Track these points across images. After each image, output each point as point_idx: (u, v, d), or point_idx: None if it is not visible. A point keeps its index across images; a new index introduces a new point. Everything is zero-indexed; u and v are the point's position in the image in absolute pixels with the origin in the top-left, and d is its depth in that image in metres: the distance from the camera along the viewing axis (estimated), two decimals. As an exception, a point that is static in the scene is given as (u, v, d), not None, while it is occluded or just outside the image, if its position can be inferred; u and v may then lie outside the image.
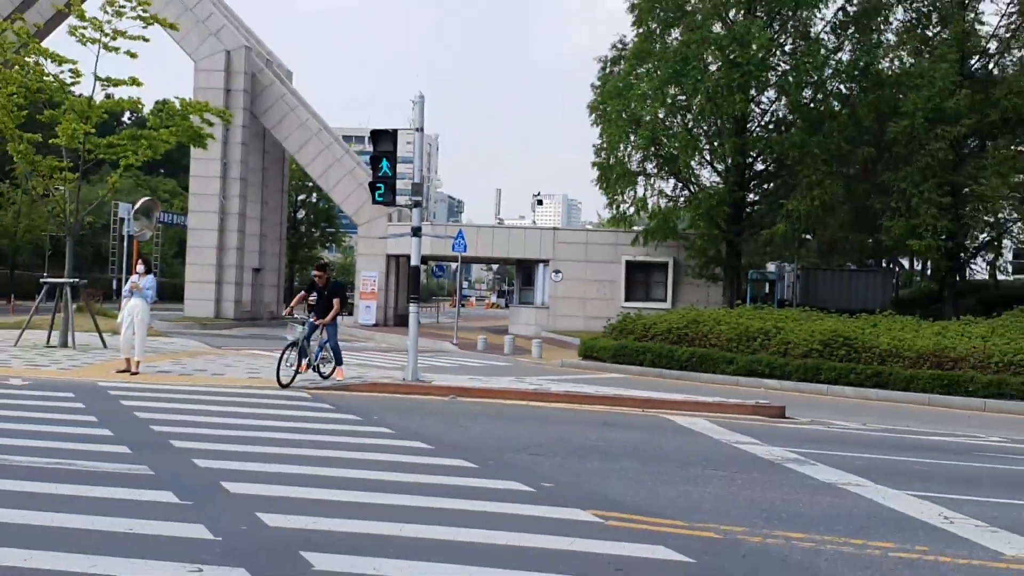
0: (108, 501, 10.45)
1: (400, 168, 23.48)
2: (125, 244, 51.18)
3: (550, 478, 12.56)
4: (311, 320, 21.36)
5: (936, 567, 9.23)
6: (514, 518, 10.15)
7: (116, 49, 30.12)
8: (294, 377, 20.96)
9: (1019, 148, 44.97)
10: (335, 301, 22.00)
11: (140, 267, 24.16)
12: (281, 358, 20.93)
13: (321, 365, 21.93)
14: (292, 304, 23.17)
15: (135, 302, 23.53)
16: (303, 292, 22.65)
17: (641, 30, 44.70)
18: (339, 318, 23.64)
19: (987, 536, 10.55)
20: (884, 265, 48.36)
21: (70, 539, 8.71)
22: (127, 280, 24.42)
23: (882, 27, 45.73)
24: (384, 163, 23.02)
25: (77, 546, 8.45)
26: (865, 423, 21.06)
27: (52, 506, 9.81)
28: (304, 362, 21.12)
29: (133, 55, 30.75)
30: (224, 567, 7.97)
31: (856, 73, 44.93)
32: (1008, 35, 44.86)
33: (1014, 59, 45.37)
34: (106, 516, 9.59)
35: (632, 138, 44.27)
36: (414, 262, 24.33)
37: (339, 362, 22.33)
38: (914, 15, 46.41)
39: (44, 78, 29.91)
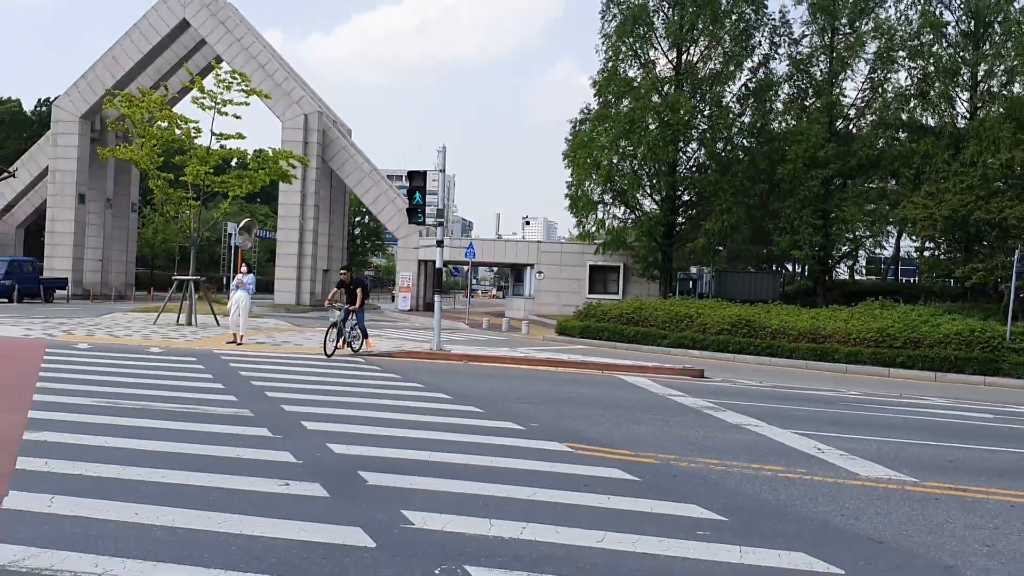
0: (221, 435, 10.64)
1: (428, 198, 23.74)
2: (232, 252, 51.88)
3: (535, 420, 12.84)
4: (346, 307, 21.45)
5: (811, 484, 9.42)
6: (510, 448, 10.54)
7: (225, 113, 30.38)
8: (335, 350, 21.10)
9: (870, 186, 45.45)
10: (358, 291, 21.97)
11: (244, 268, 24.75)
12: (326, 335, 21.27)
13: (353, 342, 21.92)
14: (329, 298, 23.35)
15: (240, 293, 23.87)
16: (335, 288, 22.65)
17: (601, 100, 45.06)
18: (367, 303, 24.55)
19: (848, 462, 10.78)
20: (774, 268, 48.36)
21: (192, 462, 8.82)
22: (234, 277, 24.79)
23: (773, 98, 45.98)
24: (417, 194, 23.54)
25: (197, 466, 8.55)
26: (761, 381, 21.19)
27: (181, 438, 10.00)
28: (341, 339, 21.34)
29: (238, 117, 31.18)
30: (304, 482, 8.17)
31: (755, 131, 45.30)
32: (863, 104, 45.28)
33: (867, 122, 45.63)
34: (219, 445, 9.77)
35: (593, 177, 44.58)
36: (438, 265, 24.99)
37: (365, 336, 22.50)
38: (796, 90, 46.81)
39: (176, 132, 30.16)
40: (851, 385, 21.38)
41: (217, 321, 30.99)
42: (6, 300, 41.92)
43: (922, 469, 10.41)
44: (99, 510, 7.03)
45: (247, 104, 30.96)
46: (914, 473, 10.14)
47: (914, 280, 51.53)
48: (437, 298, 25.16)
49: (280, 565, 5.96)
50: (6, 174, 53.29)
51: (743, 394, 17.88)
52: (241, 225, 41.97)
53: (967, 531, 7.79)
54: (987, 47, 42.52)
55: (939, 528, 7.82)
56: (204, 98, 30.32)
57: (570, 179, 46.00)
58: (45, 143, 55.79)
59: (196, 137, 30.86)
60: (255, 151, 33.21)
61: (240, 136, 31.23)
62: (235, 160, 32.41)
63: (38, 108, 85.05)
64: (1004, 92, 42.14)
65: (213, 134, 30.86)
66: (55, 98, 57.25)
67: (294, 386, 15.75)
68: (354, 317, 21.74)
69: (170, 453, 9.28)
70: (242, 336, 23.76)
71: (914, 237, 42.51)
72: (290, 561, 6.09)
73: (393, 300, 63.61)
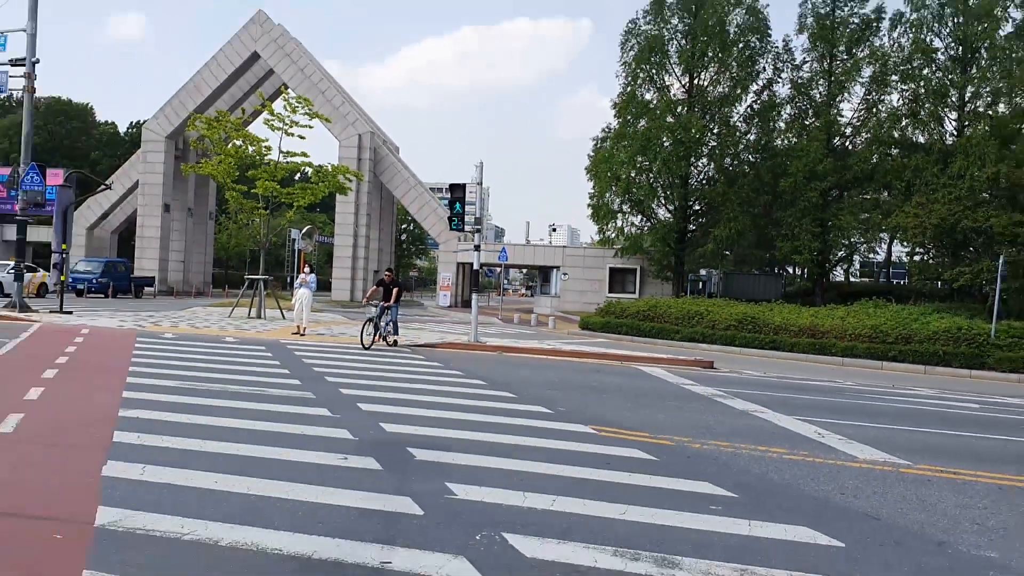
0: (288, 414, 10.74)
1: (467, 208, 23.76)
2: (295, 254, 52.26)
3: (563, 405, 12.77)
4: (382, 304, 21.39)
5: (813, 465, 9.32)
6: (541, 429, 10.52)
7: (292, 133, 30.55)
8: (372, 343, 20.93)
9: (864, 197, 44.98)
10: (395, 291, 21.88)
11: (306, 269, 24.96)
12: (362, 330, 21.16)
13: (388, 336, 21.72)
14: (368, 295, 23.53)
15: (303, 291, 23.97)
16: (375, 287, 22.58)
17: (620, 120, 45.25)
18: (404, 299, 24.01)
19: (846, 446, 10.67)
20: (776, 271, 47.93)
21: (264, 438, 8.88)
22: (297, 277, 24.95)
23: (776, 118, 45.75)
24: (457, 205, 23.60)
25: (268, 441, 8.63)
26: (765, 372, 20.95)
27: (254, 416, 10.13)
28: (377, 334, 21.18)
29: (302, 137, 31.33)
30: (360, 456, 8.24)
31: (759, 148, 45.16)
32: (858, 123, 44.85)
33: (862, 139, 45.17)
34: (287, 423, 9.83)
35: (613, 189, 44.64)
36: (475, 267, 25.09)
37: (395, 332, 22.04)
38: (796, 110, 46.48)
39: (249, 150, 30.44)
40: (847, 377, 21.14)
41: (283, 315, 31.18)
42: (102, 295, 42.49)
43: (915, 453, 10.26)
44: (184, 479, 7.10)
45: (311, 127, 31.25)
46: (908, 457, 10.00)
47: (904, 282, 50.85)
48: (474, 296, 25.20)
49: (340, 529, 6.00)
50: (103, 187, 53.88)
51: (749, 384, 17.70)
52: (304, 231, 42.36)
53: (958, 510, 7.67)
54: (974, 70, 41.98)
55: (932, 507, 7.71)
56: (274, 120, 30.56)
57: (592, 191, 46.04)
58: (136, 160, 56.47)
59: (266, 154, 31.16)
60: (316, 167, 33.41)
61: (304, 155, 31.56)
62: (299, 174, 32.46)
63: (130, 129, 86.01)
64: (989, 112, 41.61)
65: (281, 152, 31.11)
66: (145, 121, 57.93)
67: (350, 372, 15.80)
68: (389, 313, 21.61)
69: (244, 429, 9.37)
70: (305, 328, 23.72)
71: (905, 243, 41.91)
72: (349, 526, 6.12)
73: (434, 298, 64.32)
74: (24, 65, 22.87)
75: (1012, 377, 22.71)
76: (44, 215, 26.67)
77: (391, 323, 21.55)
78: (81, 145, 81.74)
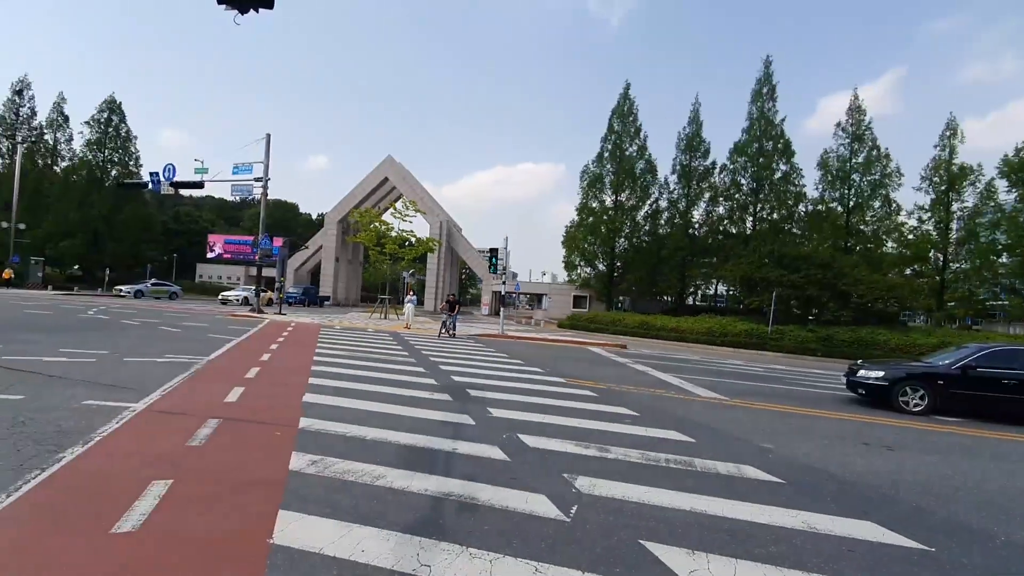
0: (400, 370, 10.63)
1: (499, 261, 23.73)
2: (403, 284, 52.11)
3: (551, 368, 12.55)
4: (448, 313, 20.92)
5: (678, 400, 9.24)
6: (536, 379, 10.38)
7: (404, 218, 30.54)
8: (441, 335, 20.13)
9: (704, 260, 44.80)
10: (457, 306, 21.40)
11: (411, 293, 24.62)
12: (440, 327, 20.60)
13: (450, 331, 20.66)
14: (441, 307, 22.38)
15: (409, 304, 23.51)
16: (444, 303, 21.60)
17: (580, 217, 45.17)
18: (462, 312, 23.45)
19: (695, 389, 10.56)
20: (658, 298, 47.55)
21: (388, 381, 8.86)
22: (405, 296, 24.65)
23: (659, 218, 45.48)
24: (494, 259, 23.45)
25: (390, 383, 8.63)
26: (651, 351, 20.80)
27: (382, 370, 10.08)
28: (445, 330, 20.45)
29: (410, 221, 31.22)
30: (440, 393, 8.29)
31: (651, 233, 44.82)
32: (703, 221, 44.90)
33: (704, 230, 45.00)
34: (399, 375, 9.79)
35: (575, 253, 44.60)
36: (503, 292, 24.70)
37: (454, 329, 20.96)
38: (670, 214, 46.40)
39: (381, 228, 30.53)
40: (694, 354, 20.99)
41: (398, 317, 30.96)
42: (301, 306, 42.49)
43: (730, 394, 10.21)
44: (347, 403, 7.16)
45: (415, 217, 31.27)
46: (728, 396, 9.98)
47: (724, 305, 50.43)
48: (502, 309, 25.15)
49: (425, 430, 6.05)
50: (303, 247, 54.26)
51: (644, 357, 17.55)
52: (410, 273, 42.51)
53: (753, 424, 7.66)
54: (762, 195, 41.89)
55: (741, 423, 7.69)
56: (396, 214, 30.61)
57: (564, 254, 46.09)
58: (321, 233, 56.67)
59: (390, 230, 31.09)
60: (418, 238, 33.28)
61: (412, 234, 31.54)
62: (407, 243, 32.22)
63: (318, 217, 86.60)
64: (769, 217, 41.52)
65: (400, 231, 31.08)
66: (326, 213, 58.27)
67: (433, 348, 15.63)
68: (452, 319, 20.79)
69: (378, 377, 9.34)
70: (409, 325, 23.19)
71: (724, 285, 41.72)
72: (431, 428, 6.17)
73: (479, 310, 64.08)
74: (261, 182, 23.13)
75: (779, 355, 22.54)
76: (271, 262, 26.73)
77: (453, 324, 20.78)
78: (291, 225, 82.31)
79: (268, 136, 22.92)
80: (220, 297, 35.64)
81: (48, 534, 3.34)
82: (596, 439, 6.14)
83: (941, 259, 33.72)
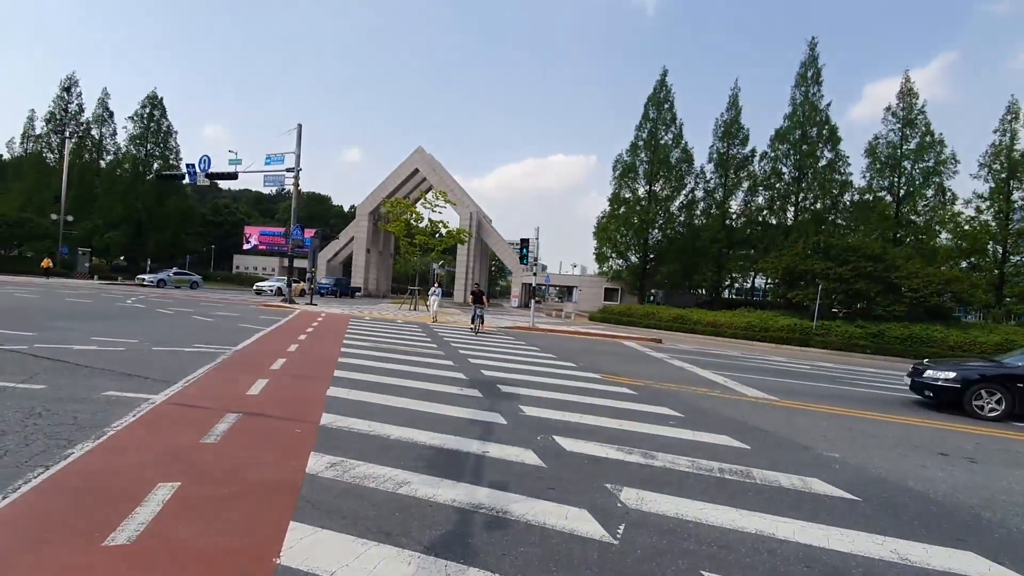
0: (427, 363, 10.23)
1: (530, 251, 23.18)
2: (433, 275, 52.07)
3: (585, 362, 12.01)
4: (476, 305, 19.44)
5: (723, 400, 8.59)
6: (572, 376, 9.83)
7: (436, 209, 30.20)
8: (474, 329, 18.67)
9: (741, 252, 43.14)
10: (484, 297, 19.92)
11: (436, 284, 23.78)
12: (472, 320, 18.99)
13: (479, 325, 18.82)
14: (470, 299, 21.35)
15: (434, 298, 22.55)
16: (471, 295, 20.38)
17: (612, 208, 43.88)
18: (489, 304, 21.76)
19: (741, 388, 9.90)
20: (691, 291, 46.22)
21: (414, 375, 8.46)
22: (432, 287, 24.03)
23: (695, 209, 43.96)
24: (524, 250, 22.86)
25: (416, 376, 8.23)
26: (689, 346, 20.01)
27: (409, 362, 9.68)
28: (476, 324, 18.90)
29: (441, 211, 30.92)
30: (469, 388, 7.79)
31: (686, 224, 43.38)
32: (740, 211, 43.25)
33: (741, 220, 43.33)
34: (425, 367, 9.38)
35: (607, 245, 43.61)
36: (533, 285, 24.23)
37: (482, 321, 19.06)
38: (707, 205, 44.84)
39: (411, 218, 30.25)
40: (733, 349, 20.09)
41: (428, 308, 30.84)
42: (333, 296, 42.86)
43: (780, 393, 9.51)
44: (372, 399, 6.78)
45: (444, 208, 30.87)
46: (778, 395, 9.28)
47: (760, 299, 48.72)
48: (532, 301, 24.69)
49: (453, 430, 5.61)
50: (336, 238, 54.70)
51: (681, 352, 16.81)
52: (439, 264, 42.52)
53: (810, 428, 6.98)
54: (804, 184, 40.15)
55: (795, 426, 7.03)
56: (427, 204, 30.31)
57: (596, 246, 45.17)
58: (352, 225, 57.10)
59: (420, 221, 30.76)
60: (449, 230, 32.90)
61: (444, 224, 31.18)
62: (437, 234, 31.79)
63: (350, 209, 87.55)
64: (811, 207, 39.78)
65: (430, 221, 30.76)
66: (357, 204, 58.69)
67: (462, 340, 15.26)
68: (480, 310, 19.36)
69: (405, 370, 8.98)
70: (436, 317, 22.34)
71: (765, 278, 40.13)
72: (459, 428, 5.73)
73: (509, 302, 63.63)
74: (293, 172, 23.09)
75: (824, 351, 21.39)
76: (303, 252, 26.67)
77: (481, 317, 19.15)
78: (324, 217, 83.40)
79: (299, 127, 22.84)
80: (255, 287, 36.15)
81: (32, 546, 3.01)
82: (639, 443, 5.60)
83: (1000, 251, 31.60)
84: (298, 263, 36.49)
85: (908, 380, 9.41)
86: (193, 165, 24.65)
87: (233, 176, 23.90)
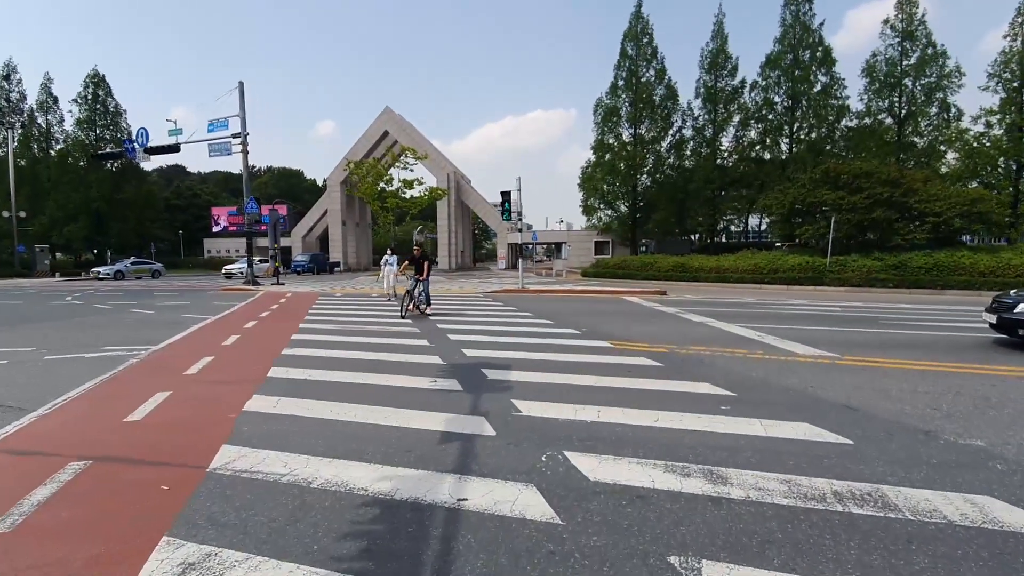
0: (399, 362, 8.21)
1: (513, 206, 21.04)
2: (413, 244, 49.76)
3: (588, 327, 10.04)
4: (416, 278, 12.43)
5: (772, 362, 6.71)
6: (576, 347, 7.85)
7: (406, 168, 27.67)
8: (406, 312, 12.06)
9: (735, 192, 41.07)
10: (425, 264, 12.57)
11: (389, 251, 19.23)
12: (402, 301, 12.33)
13: (420, 304, 12.43)
14: (403, 267, 14.60)
15: (388, 267, 17.49)
16: (406, 261, 13.70)
17: (596, 155, 41.53)
18: (431, 272, 13.05)
19: (785, 344, 8.07)
20: (683, 238, 44.27)
21: (378, 388, 6.45)
22: (386, 255, 20.20)
23: (684, 149, 41.61)
24: (506, 204, 20.65)
25: (376, 395, 6.23)
26: (696, 296, 18.25)
27: (369, 362, 7.64)
28: (412, 303, 12.16)
29: (412, 170, 28.30)
30: (445, 379, 5.72)
31: (675, 167, 41.09)
32: (732, 149, 40.95)
33: (733, 159, 41.11)
34: (396, 373, 7.39)
35: (594, 195, 41.41)
36: (519, 243, 22.18)
37: (428, 303, 12.73)
38: (696, 144, 42.39)
39: (382, 180, 27.78)
40: (743, 295, 18.39)
41: (406, 278, 28.81)
42: (310, 274, 40.63)
43: (833, 346, 7.72)
44: (321, 376, 4.87)
45: (417, 162, 28.07)
46: (830, 349, 7.50)
47: (757, 240, 47.14)
48: (520, 260, 22.67)
49: (414, 456, 3.68)
50: (309, 214, 51.85)
51: (691, 304, 14.97)
52: (418, 230, 40.27)
53: (911, 396, 5.18)
54: (798, 113, 38.01)
55: (889, 395, 5.22)
56: (399, 165, 27.63)
57: (582, 197, 42.90)
58: (325, 197, 54.12)
59: (391, 183, 27.98)
60: (420, 187, 30.05)
61: (420, 181, 28.12)
62: (410, 192, 28.85)
63: (324, 183, 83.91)
64: (807, 137, 37.83)
65: (400, 180, 27.99)
66: (329, 175, 55.67)
67: (441, 310, 13.24)
68: (422, 285, 12.55)
69: (368, 360, 7.06)
70: (394, 291, 17.17)
71: (765, 216, 37.99)
72: (425, 451, 3.81)
73: (496, 264, 61.35)
74: (240, 138, 20.52)
75: (840, 289, 19.82)
76: (260, 230, 23.82)
77: (423, 294, 12.71)
78: (297, 192, 80.00)
79: (241, 84, 20.10)
80: (224, 271, 33.81)
81: None
82: (694, 452, 3.76)
83: (1015, 167, 29.86)
84: (284, 242, 34.01)
85: (991, 317, 7.63)
86: (131, 140, 22.00)
87: (175, 148, 21.31)
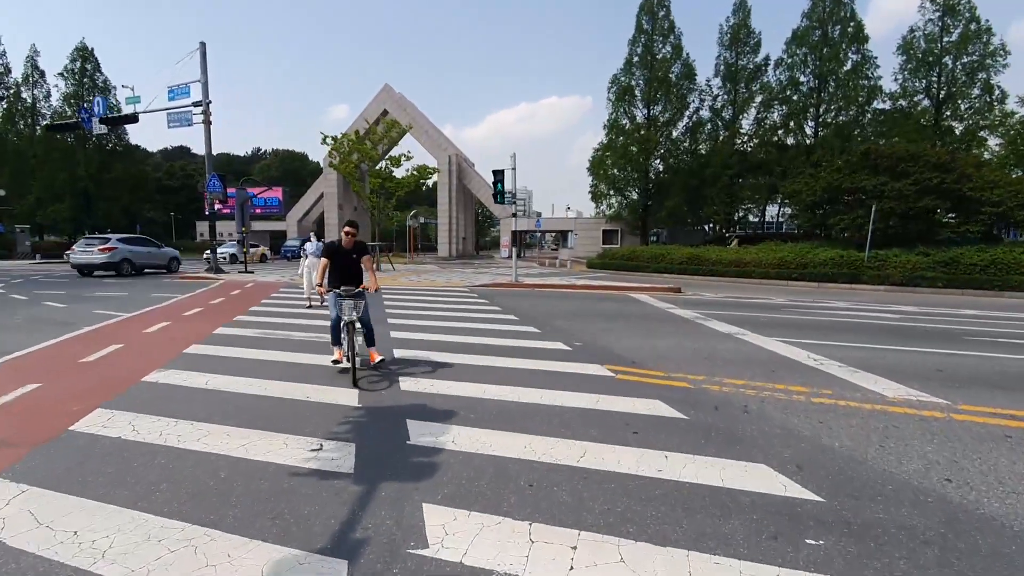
0: (309, 365, 5.85)
1: (507, 187, 18.66)
2: (408, 230, 47.42)
3: (580, 338, 7.62)
4: (350, 292, 5.94)
5: (851, 412, 4.28)
6: (561, 377, 5.44)
7: (388, 138, 25.19)
8: (348, 364, 5.98)
9: (753, 180, 38.25)
10: (367, 258, 6.01)
11: (311, 236, 16.05)
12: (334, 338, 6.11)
13: (369, 347, 6.40)
14: (321, 271, 5.74)
15: (308, 257, 11.90)
16: (324, 259, 5.85)
17: (608, 138, 39.09)
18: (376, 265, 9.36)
19: (858, 376, 5.69)
20: (696, 228, 41.73)
21: (257, 405, 4.16)
22: (307, 240, 18.96)
23: (700, 132, 38.84)
24: (499, 185, 18.23)
25: (260, 412, 3.97)
26: (715, 294, 15.92)
27: (285, 374, 5.42)
28: (350, 348, 5.92)
29: (409, 156, 25.81)
30: (342, 441, 3.40)
31: (690, 152, 38.48)
32: (752, 133, 38.09)
33: (754, 143, 38.33)
34: (296, 380, 5.09)
35: (604, 180, 38.96)
36: (514, 228, 19.63)
37: (372, 343, 5.94)
38: (713, 126, 39.48)
39: (367, 159, 25.39)
40: (768, 293, 16.08)
41: (392, 267, 26.35)
42: (299, 259, 38.72)
43: (927, 382, 5.43)
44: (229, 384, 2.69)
45: (402, 134, 25.43)
46: (927, 387, 5.20)
47: (775, 231, 44.48)
48: (513, 249, 20.28)
49: None
50: (305, 197, 49.76)
51: (712, 304, 12.65)
52: (413, 213, 38.09)
53: None
54: (825, 94, 35.29)
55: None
56: (376, 137, 25.11)
57: (592, 183, 40.37)
58: (321, 179, 52.08)
59: (377, 160, 25.59)
60: (411, 164, 27.13)
61: (408, 157, 25.63)
62: (400, 170, 25.78)
63: (318, 163, 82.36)
64: (834, 121, 35.17)
65: (389, 158, 25.31)
66: (325, 156, 53.49)
67: (406, 309, 11.13)
68: (359, 309, 5.54)
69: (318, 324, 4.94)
70: (308, 297, 13.64)
71: (792, 205, 35.20)
72: None
73: (499, 253, 58.82)
74: (201, 106, 18.25)
75: (880, 288, 17.50)
76: (222, 211, 21.49)
77: (365, 327, 5.82)
78: (300, 175, 78.08)
79: (202, 45, 17.84)
80: (205, 255, 31.82)
81: None
82: None
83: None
84: (278, 225, 31.94)
85: None
86: (86, 110, 19.86)
87: (134, 119, 19.13)
